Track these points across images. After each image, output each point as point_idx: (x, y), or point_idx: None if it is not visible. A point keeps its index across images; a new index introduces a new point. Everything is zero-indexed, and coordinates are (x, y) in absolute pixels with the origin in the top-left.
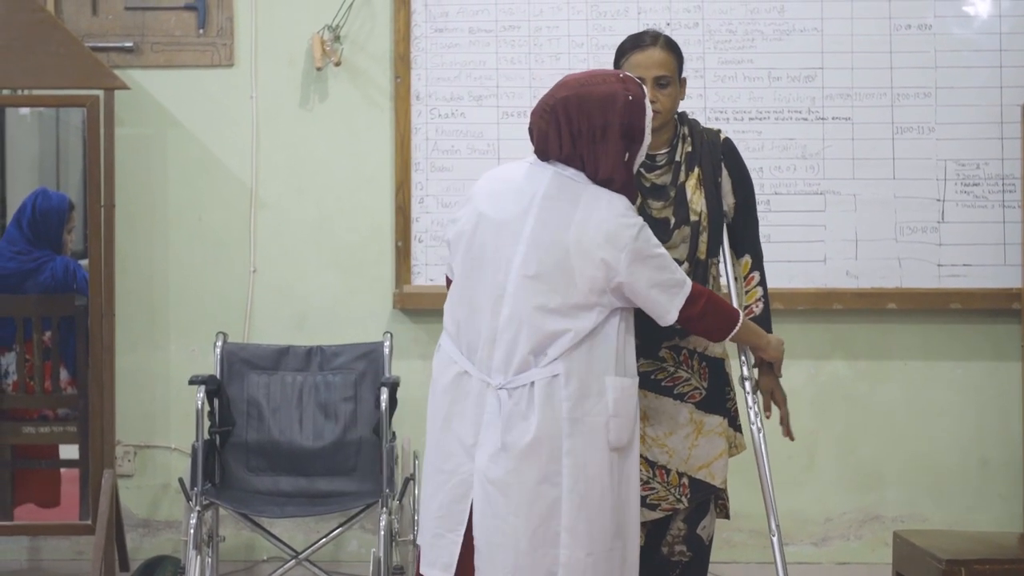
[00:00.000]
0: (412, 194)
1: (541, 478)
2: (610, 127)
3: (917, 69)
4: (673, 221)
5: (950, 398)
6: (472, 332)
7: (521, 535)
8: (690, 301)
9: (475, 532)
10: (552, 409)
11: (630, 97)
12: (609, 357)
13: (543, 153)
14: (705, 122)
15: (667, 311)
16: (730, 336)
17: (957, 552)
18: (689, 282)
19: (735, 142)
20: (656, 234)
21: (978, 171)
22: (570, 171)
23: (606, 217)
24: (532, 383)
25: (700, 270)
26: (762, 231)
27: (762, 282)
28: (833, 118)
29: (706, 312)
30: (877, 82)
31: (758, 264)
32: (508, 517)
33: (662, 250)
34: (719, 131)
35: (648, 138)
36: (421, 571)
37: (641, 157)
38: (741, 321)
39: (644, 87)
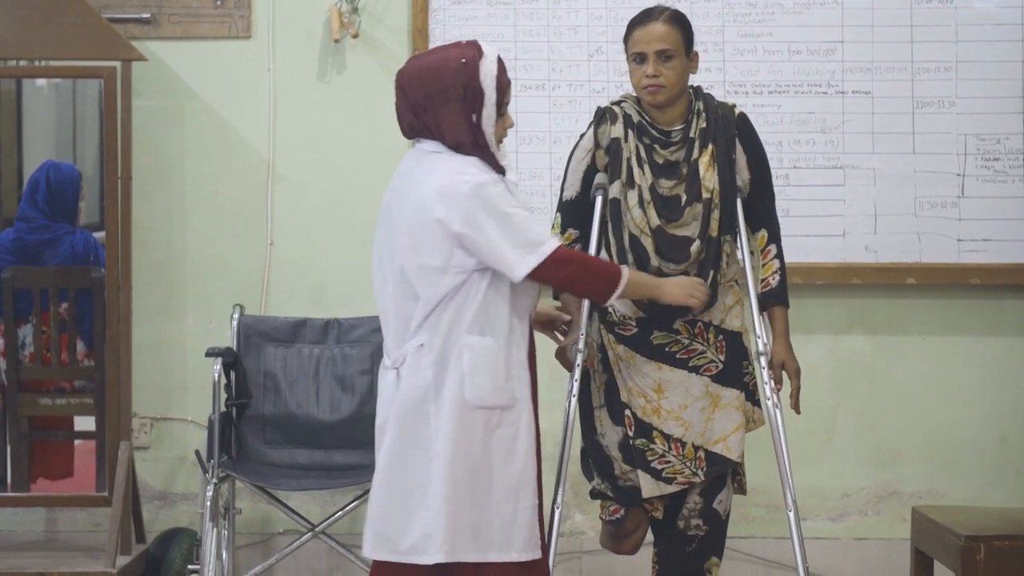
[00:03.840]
0: None
1: (412, 443)
2: (445, 91)
3: (938, 43)
4: (684, 198)
5: (969, 374)
6: (383, 319)
7: (397, 503)
8: (551, 264)
9: None
10: (417, 377)
11: (463, 60)
12: (468, 317)
13: (402, 129)
14: (724, 96)
15: (513, 268)
16: (616, 295)
17: (977, 528)
18: (551, 245)
19: (754, 116)
20: (667, 213)
21: (999, 146)
22: (425, 143)
23: (439, 177)
24: (405, 357)
25: (712, 247)
26: (781, 205)
27: (779, 255)
28: (853, 92)
29: (578, 276)
30: (897, 56)
31: (774, 238)
32: (387, 487)
33: (512, 208)
34: (734, 106)
35: (492, 95)
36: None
37: (491, 117)
38: (625, 279)
39: (486, 49)
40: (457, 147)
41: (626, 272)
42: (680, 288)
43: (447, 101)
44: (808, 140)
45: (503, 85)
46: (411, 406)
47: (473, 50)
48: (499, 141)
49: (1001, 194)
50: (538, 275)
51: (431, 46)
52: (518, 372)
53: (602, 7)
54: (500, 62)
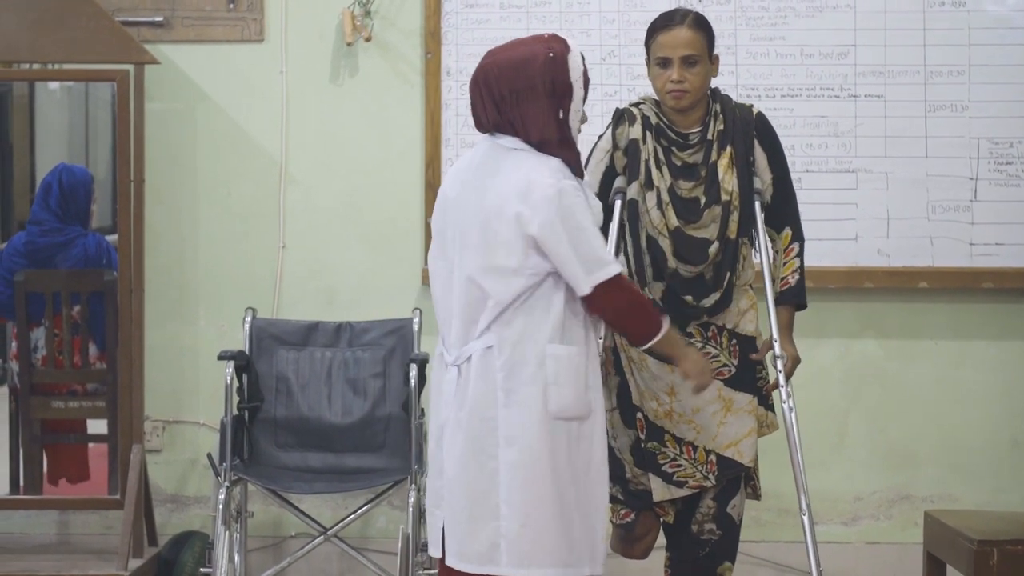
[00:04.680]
0: (442, 170)
1: (479, 450)
2: (533, 87)
3: (951, 46)
4: (703, 201)
5: (981, 377)
6: (442, 312)
7: (462, 508)
8: (609, 287)
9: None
10: (486, 381)
11: (551, 54)
12: (547, 324)
13: (478, 124)
14: (737, 99)
15: (580, 283)
16: (649, 344)
17: (989, 532)
18: (615, 269)
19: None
20: (686, 215)
21: (1011, 150)
22: (505, 139)
23: (524, 177)
24: (470, 356)
25: (730, 249)
26: None
27: (800, 254)
28: (865, 96)
29: (628, 309)
30: (910, 59)
31: (798, 236)
32: (456, 491)
33: (587, 221)
34: (751, 106)
35: (580, 92)
36: (434, 553)
37: (578, 113)
38: (665, 329)
39: (571, 43)
40: (540, 144)
41: (667, 324)
42: (697, 364)
43: (535, 97)
44: (820, 144)
45: (587, 80)
46: (479, 411)
47: (559, 44)
48: None
49: (1014, 198)
50: (596, 294)
51: (443, 49)
52: (594, 382)
53: (614, 10)
54: (583, 57)
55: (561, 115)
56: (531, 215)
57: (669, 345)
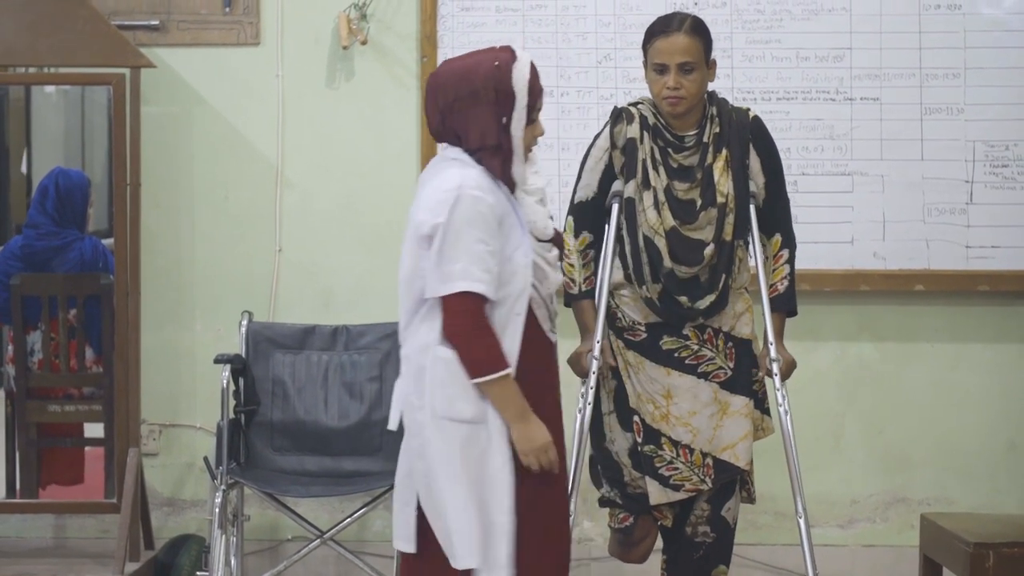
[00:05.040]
0: None
1: (413, 453)
2: (476, 94)
3: (946, 49)
4: (699, 203)
5: (977, 381)
6: None
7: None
8: (450, 304)
9: None
10: (407, 387)
11: (496, 63)
12: (439, 329)
13: (431, 133)
14: (732, 102)
15: (428, 289)
16: (479, 381)
17: (985, 535)
18: (459, 287)
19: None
20: (682, 215)
21: (1007, 152)
22: (448, 150)
23: (436, 184)
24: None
25: (726, 251)
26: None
27: (790, 260)
28: (861, 98)
29: (465, 334)
30: (906, 62)
31: (788, 242)
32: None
33: (470, 233)
34: (748, 110)
35: (523, 99)
36: (394, 545)
37: (521, 121)
38: (499, 376)
39: (519, 54)
40: (479, 151)
41: (507, 374)
42: (529, 442)
43: (477, 103)
44: (816, 147)
45: (535, 90)
46: (407, 416)
47: (506, 54)
48: (528, 149)
49: (1010, 201)
50: (444, 308)
51: (439, 53)
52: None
53: (610, 14)
54: (533, 67)
55: (504, 120)
56: (425, 218)
57: (504, 399)
